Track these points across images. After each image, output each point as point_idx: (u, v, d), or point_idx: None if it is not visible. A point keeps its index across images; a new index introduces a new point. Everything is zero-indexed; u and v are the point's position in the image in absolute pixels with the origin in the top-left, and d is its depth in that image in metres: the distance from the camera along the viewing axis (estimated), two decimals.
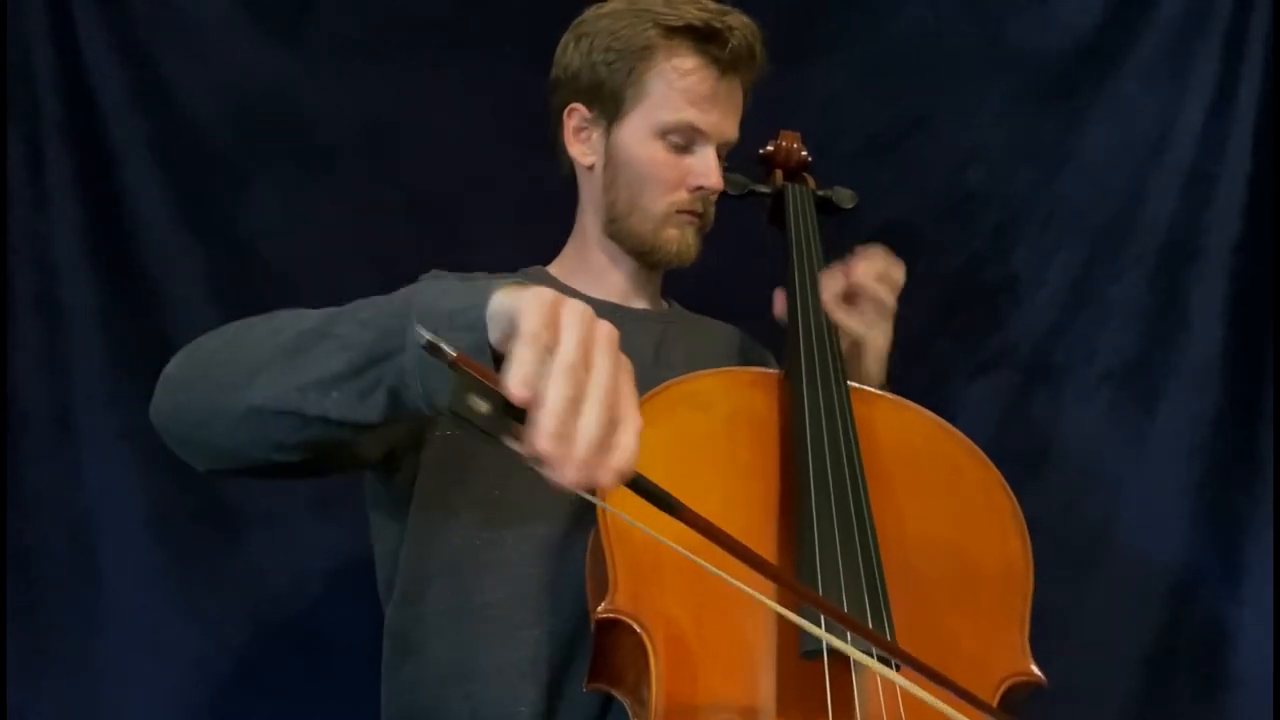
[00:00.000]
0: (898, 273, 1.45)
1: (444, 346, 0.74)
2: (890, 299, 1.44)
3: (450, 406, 0.75)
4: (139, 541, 1.85)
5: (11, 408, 1.81)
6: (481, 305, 0.87)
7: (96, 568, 1.84)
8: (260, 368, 1.02)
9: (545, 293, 0.82)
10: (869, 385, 1.40)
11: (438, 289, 0.95)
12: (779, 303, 1.48)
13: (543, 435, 0.74)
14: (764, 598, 0.87)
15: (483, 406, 0.75)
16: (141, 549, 1.85)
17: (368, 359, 0.96)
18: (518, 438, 0.76)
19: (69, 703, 1.81)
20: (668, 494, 0.77)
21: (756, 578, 0.85)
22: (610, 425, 0.77)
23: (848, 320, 1.43)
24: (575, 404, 0.76)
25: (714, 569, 0.83)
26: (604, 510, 1.10)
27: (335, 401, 0.97)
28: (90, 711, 1.82)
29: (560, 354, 0.77)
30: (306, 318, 1.03)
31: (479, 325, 0.88)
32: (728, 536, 0.80)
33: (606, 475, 0.76)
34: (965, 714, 0.90)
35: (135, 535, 1.85)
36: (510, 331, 0.80)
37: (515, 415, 0.76)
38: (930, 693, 0.88)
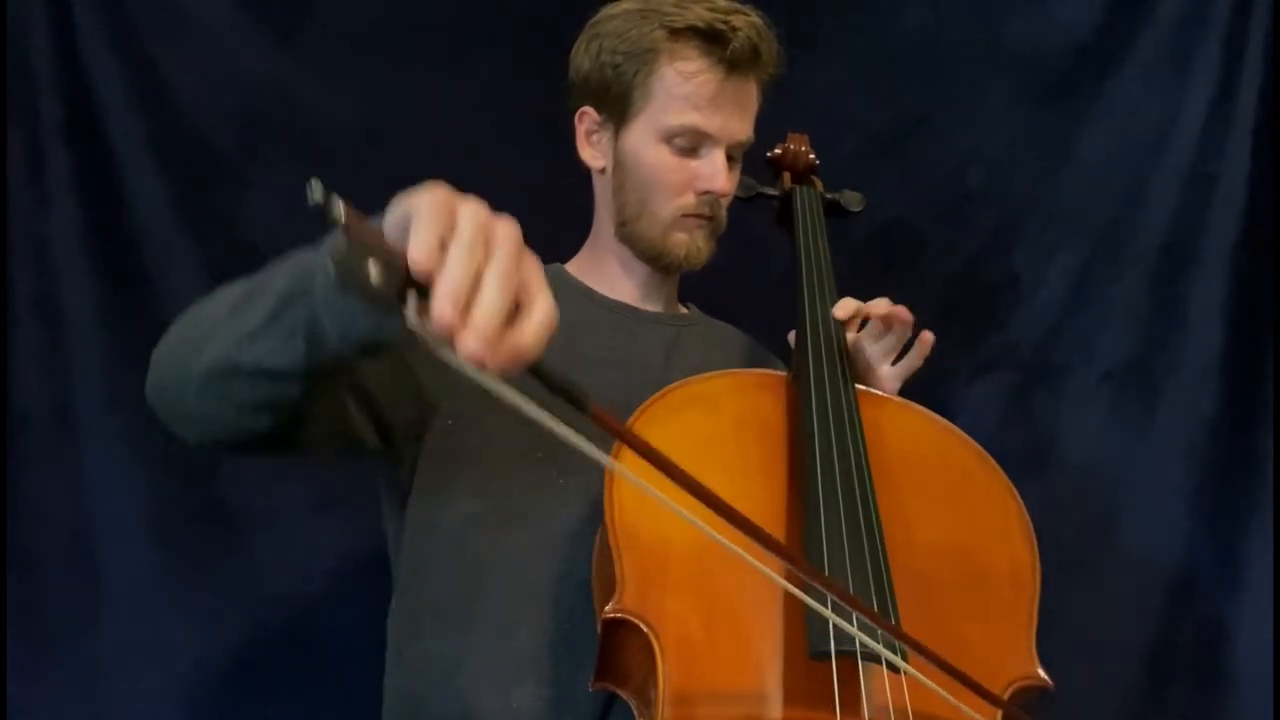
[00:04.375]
0: (904, 314, 1.42)
1: (336, 206, 0.68)
2: (905, 325, 1.41)
3: (339, 268, 0.70)
4: (139, 541, 1.84)
5: (11, 408, 1.81)
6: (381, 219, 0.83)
7: (96, 568, 1.83)
8: (211, 330, 1.01)
9: (439, 186, 0.79)
10: None
11: None
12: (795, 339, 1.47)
13: (441, 299, 0.70)
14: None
15: (377, 275, 0.70)
16: (141, 549, 1.84)
17: (284, 301, 0.94)
18: (418, 315, 0.71)
19: (69, 703, 1.80)
20: (585, 393, 0.73)
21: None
22: (512, 304, 0.73)
23: (859, 341, 1.43)
24: (476, 277, 0.72)
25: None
26: (611, 509, 1.10)
27: (265, 350, 0.96)
28: (90, 711, 1.81)
29: (460, 233, 0.73)
30: (255, 277, 1.02)
31: None
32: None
33: (506, 354, 0.71)
34: (971, 705, 0.90)
35: (135, 535, 1.84)
36: (407, 225, 0.75)
37: (415, 287, 0.71)
38: (936, 682, 0.88)
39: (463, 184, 0.75)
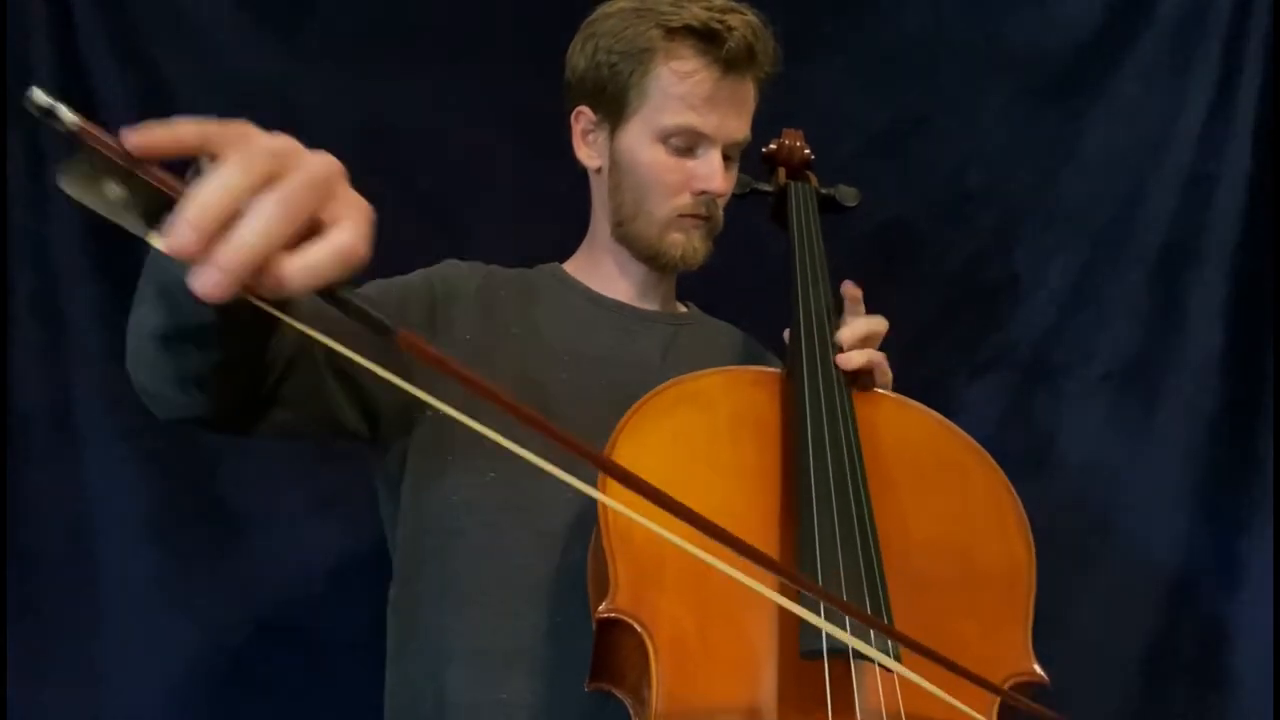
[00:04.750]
0: (880, 327, 1.40)
1: (63, 112, 0.59)
2: (879, 358, 1.38)
3: (66, 180, 0.60)
4: (139, 541, 1.85)
5: (11, 408, 1.81)
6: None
7: (96, 568, 1.84)
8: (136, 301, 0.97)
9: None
10: None
11: None
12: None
13: (179, 222, 0.61)
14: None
15: (116, 193, 0.61)
16: (141, 549, 1.85)
17: (150, 262, 0.89)
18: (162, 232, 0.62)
19: (69, 703, 1.81)
20: (389, 320, 0.65)
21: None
22: (288, 237, 0.64)
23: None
24: (242, 195, 0.63)
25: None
26: (604, 511, 1.10)
27: (145, 314, 0.91)
28: (90, 711, 1.82)
29: (235, 154, 0.64)
30: None
31: None
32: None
33: (276, 280, 0.64)
34: (967, 702, 0.90)
35: (135, 535, 1.85)
36: None
37: (164, 205, 0.62)
38: (931, 681, 0.87)
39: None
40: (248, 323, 0.88)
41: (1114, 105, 2.04)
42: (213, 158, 0.65)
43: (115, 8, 1.88)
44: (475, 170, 1.94)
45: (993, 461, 1.26)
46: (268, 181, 0.64)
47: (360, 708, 1.42)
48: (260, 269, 0.63)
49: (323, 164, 0.68)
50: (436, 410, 1.31)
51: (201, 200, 0.62)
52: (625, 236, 1.47)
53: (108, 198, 0.62)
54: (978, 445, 1.28)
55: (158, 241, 0.63)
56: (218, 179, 0.63)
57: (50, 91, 0.59)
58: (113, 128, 1.85)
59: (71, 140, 0.60)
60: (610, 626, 1.07)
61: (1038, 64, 2.06)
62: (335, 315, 0.67)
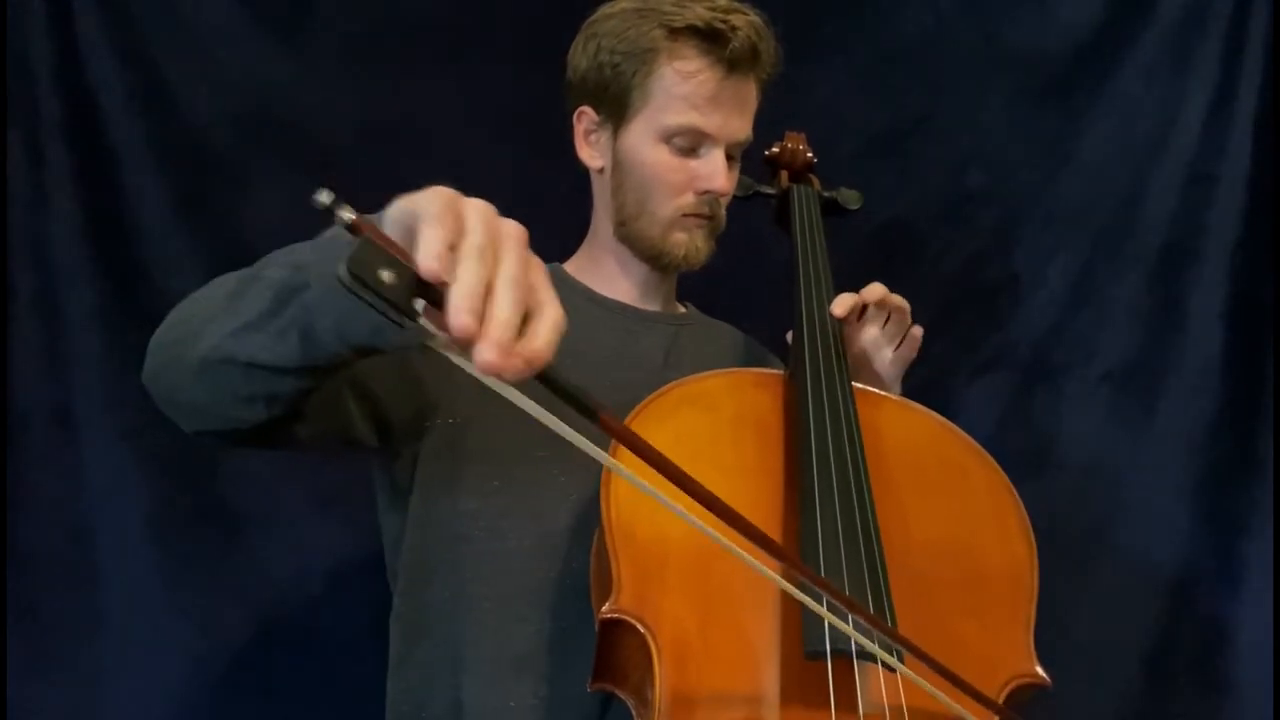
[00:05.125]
0: (900, 300, 1.44)
1: (344, 212, 0.68)
2: (902, 312, 1.44)
3: (351, 272, 0.67)
4: (139, 541, 1.84)
5: (11, 408, 1.81)
6: (380, 216, 0.82)
7: (96, 568, 1.83)
8: (209, 318, 1.01)
9: (443, 189, 0.79)
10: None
11: None
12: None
13: (458, 310, 0.69)
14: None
15: (389, 278, 0.68)
16: (141, 549, 1.84)
17: (280, 296, 0.94)
18: (428, 319, 0.70)
19: (69, 703, 1.80)
20: (595, 401, 0.73)
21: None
22: (523, 310, 0.72)
23: (856, 334, 1.43)
24: (488, 283, 0.71)
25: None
26: (608, 509, 1.10)
27: (259, 344, 0.96)
28: (90, 711, 1.81)
29: (469, 238, 0.73)
30: (254, 267, 1.02)
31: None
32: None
33: (520, 361, 0.70)
34: (967, 705, 0.90)
35: (135, 535, 1.84)
36: (412, 225, 0.75)
37: (425, 294, 0.70)
38: (932, 682, 0.88)
39: (462, 184, 0.75)
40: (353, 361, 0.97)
41: (1114, 105, 2.04)
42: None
43: (115, 8, 1.88)
44: (475, 170, 1.93)
45: (994, 463, 1.27)
46: (496, 260, 0.73)
47: (360, 708, 1.42)
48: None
49: (521, 236, 0.76)
50: (447, 419, 1.31)
51: (467, 286, 0.70)
52: (628, 236, 1.47)
53: (382, 281, 0.68)
54: (979, 446, 1.28)
55: (424, 325, 0.70)
56: (471, 268, 0.71)
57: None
58: (113, 127, 1.85)
59: (351, 232, 0.68)
60: (613, 627, 1.07)
61: (1038, 64, 2.06)
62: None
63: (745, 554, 0.81)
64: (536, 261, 0.76)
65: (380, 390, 1.26)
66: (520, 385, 0.72)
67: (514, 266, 0.73)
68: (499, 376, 0.70)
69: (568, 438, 0.74)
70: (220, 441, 1.13)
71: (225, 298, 1.00)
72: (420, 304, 0.70)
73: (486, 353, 0.69)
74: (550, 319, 0.73)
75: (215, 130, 1.92)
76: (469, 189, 0.76)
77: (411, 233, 0.74)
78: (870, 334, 1.44)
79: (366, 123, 1.96)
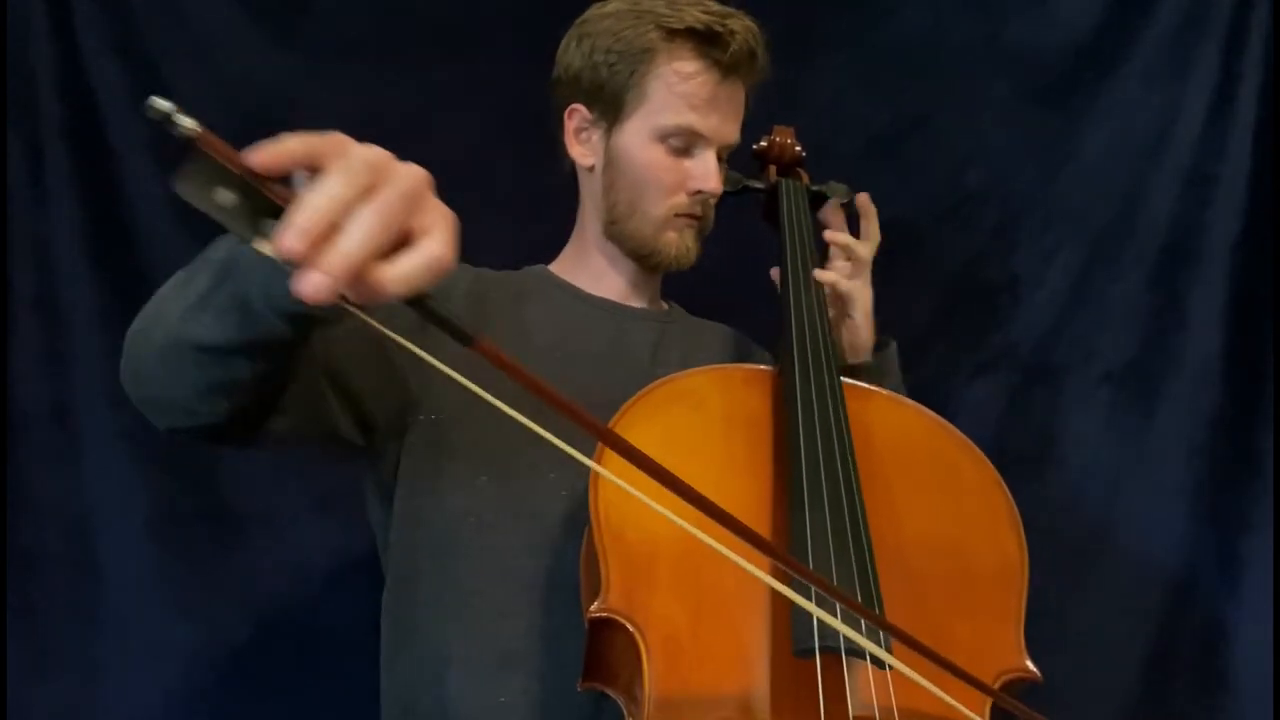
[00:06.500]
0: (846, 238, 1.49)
1: (182, 119, 0.62)
2: (863, 250, 1.48)
3: (182, 188, 0.63)
4: (139, 541, 1.85)
5: (11, 408, 1.81)
6: None
7: (96, 568, 1.84)
8: (162, 306, 1.00)
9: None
10: (862, 345, 1.44)
11: None
12: (778, 277, 1.49)
13: (289, 230, 0.65)
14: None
15: (229, 199, 0.64)
16: (141, 549, 1.85)
17: (220, 272, 0.92)
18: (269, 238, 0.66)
19: (69, 703, 1.81)
20: (470, 327, 0.69)
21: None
22: (378, 248, 0.67)
23: (827, 274, 1.44)
24: (345, 205, 0.67)
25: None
26: (596, 509, 1.10)
27: (204, 324, 0.93)
28: (90, 711, 1.82)
29: (337, 161, 0.69)
30: (210, 246, 0.99)
31: None
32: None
33: (371, 288, 0.67)
34: (959, 699, 0.90)
35: (135, 535, 1.85)
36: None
37: (269, 212, 0.66)
38: (921, 673, 0.87)
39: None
40: (306, 336, 0.94)
41: (1114, 105, 2.03)
42: (312, 170, 0.69)
43: (115, 8, 1.89)
44: (475, 170, 1.94)
45: (985, 459, 1.27)
46: (367, 192, 0.68)
47: (359, 707, 1.42)
48: (358, 276, 0.67)
49: (414, 175, 0.72)
50: (430, 415, 1.31)
51: (310, 208, 0.66)
52: (618, 235, 1.48)
53: (219, 203, 0.65)
54: (970, 442, 1.28)
55: (265, 247, 0.67)
56: (324, 189, 0.67)
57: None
58: (113, 128, 1.85)
59: (188, 146, 0.64)
60: (602, 626, 1.07)
61: (1038, 64, 2.06)
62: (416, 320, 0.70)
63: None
64: (439, 208, 0.73)
65: (362, 386, 1.26)
66: (390, 308, 0.69)
67: (388, 200, 0.68)
68: (326, 301, 0.66)
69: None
70: (196, 439, 1.12)
71: (180, 283, 0.99)
72: (271, 225, 0.66)
73: (310, 277, 0.65)
74: (420, 255, 0.69)
75: (215, 130, 1.92)
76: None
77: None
78: (841, 271, 1.46)
79: (366, 122, 1.95)
